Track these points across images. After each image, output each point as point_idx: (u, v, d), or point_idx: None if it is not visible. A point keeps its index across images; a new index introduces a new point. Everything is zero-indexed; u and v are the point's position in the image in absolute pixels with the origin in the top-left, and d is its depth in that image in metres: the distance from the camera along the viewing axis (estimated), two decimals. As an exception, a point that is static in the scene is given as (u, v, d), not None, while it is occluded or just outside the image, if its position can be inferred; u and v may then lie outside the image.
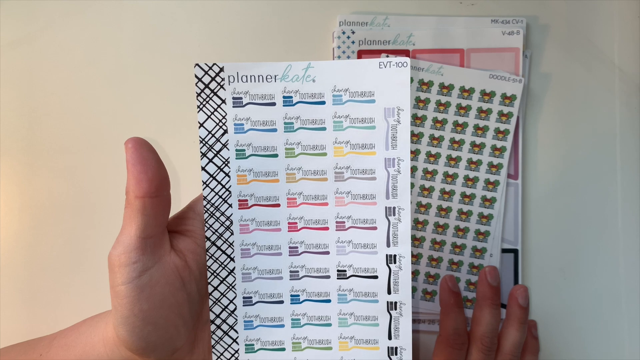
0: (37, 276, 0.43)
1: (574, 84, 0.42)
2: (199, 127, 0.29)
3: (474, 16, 0.42)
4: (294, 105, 0.29)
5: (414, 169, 0.41)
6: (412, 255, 0.41)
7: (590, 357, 0.42)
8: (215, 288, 0.30)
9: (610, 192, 0.42)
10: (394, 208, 0.29)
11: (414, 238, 0.41)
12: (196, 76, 0.29)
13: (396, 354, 0.30)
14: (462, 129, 0.41)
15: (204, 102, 0.29)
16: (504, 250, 0.42)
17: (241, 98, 0.29)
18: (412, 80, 0.41)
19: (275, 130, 0.29)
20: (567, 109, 0.42)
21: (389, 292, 0.29)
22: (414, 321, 0.42)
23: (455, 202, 0.41)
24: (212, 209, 0.29)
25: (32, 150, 0.43)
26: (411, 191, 0.41)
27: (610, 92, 0.42)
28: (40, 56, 0.43)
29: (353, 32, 0.41)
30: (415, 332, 0.42)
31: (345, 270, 0.29)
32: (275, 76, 0.29)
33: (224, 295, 0.30)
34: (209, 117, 0.29)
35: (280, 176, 0.29)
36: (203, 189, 0.29)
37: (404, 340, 0.29)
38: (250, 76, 0.29)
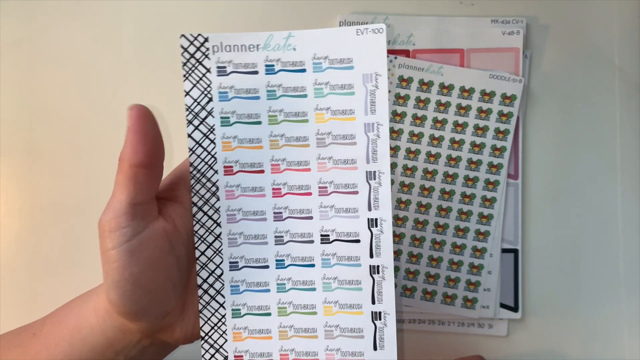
0: (37, 276, 0.43)
1: (574, 84, 0.42)
2: (185, 96, 0.30)
3: (474, 16, 0.42)
4: (275, 73, 0.29)
5: (414, 169, 0.41)
6: (412, 255, 0.41)
7: (590, 357, 0.42)
8: (202, 253, 0.30)
9: (610, 192, 0.42)
10: (375, 172, 0.29)
11: (414, 238, 0.41)
12: (182, 46, 0.30)
13: (380, 319, 0.29)
14: (462, 129, 0.41)
15: (190, 72, 0.30)
16: (504, 250, 0.42)
17: (225, 67, 0.29)
18: (412, 80, 0.41)
19: (258, 98, 0.30)
20: (567, 109, 0.42)
21: (371, 256, 0.29)
22: (414, 321, 0.42)
23: (455, 202, 0.41)
24: (198, 175, 0.30)
25: (32, 150, 0.43)
26: (412, 191, 0.41)
27: (611, 92, 0.42)
28: (40, 56, 0.43)
29: (353, 32, 0.41)
30: (415, 332, 0.42)
31: (328, 235, 0.30)
32: (257, 45, 0.29)
33: (211, 260, 0.30)
34: (194, 85, 0.30)
35: (264, 143, 0.30)
36: (189, 156, 0.30)
37: (388, 304, 0.29)
38: (234, 45, 0.29)
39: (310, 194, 0.30)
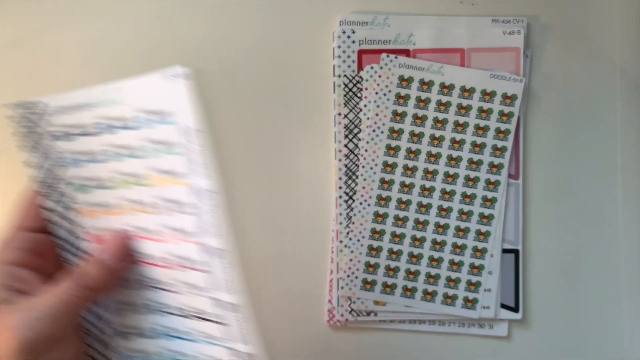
0: (37, 276, 0.43)
1: (575, 84, 0.42)
2: (27, 166, 0.29)
3: (474, 16, 0.42)
4: (111, 132, 0.27)
5: (414, 169, 0.41)
6: (413, 256, 0.41)
7: (590, 357, 0.42)
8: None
9: (610, 192, 0.42)
10: (216, 248, 0.24)
11: (414, 239, 0.41)
12: (8, 116, 0.28)
13: None
14: (462, 129, 0.41)
15: (25, 140, 0.29)
16: (505, 251, 0.42)
17: (57, 131, 0.28)
18: (412, 79, 0.41)
19: (96, 160, 0.27)
20: (568, 109, 0.42)
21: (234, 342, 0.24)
22: (414, 322, 0.42)
23: (455, 202, 0.41)
24: (62, 242, 0.29)
25: (32, 151, 0.43)
26: (412, 191, 0.41)
27: (611, 92, 0.42)
28: (40, 56, 0.43)
29: (353, 32, 0.41)
30: (415, 332, 0.42)
31: (183, 309, 0.26)
32: (87, 104, 0.27)
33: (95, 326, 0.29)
34: (32, 152, 0.29)
35: (115, 207, 0.27)
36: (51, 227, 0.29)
37: None
38: (62, 107, 0.28)
39: (162, 265, 0.26)
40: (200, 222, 0.24)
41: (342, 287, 0.41)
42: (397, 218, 0.41)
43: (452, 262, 0.41)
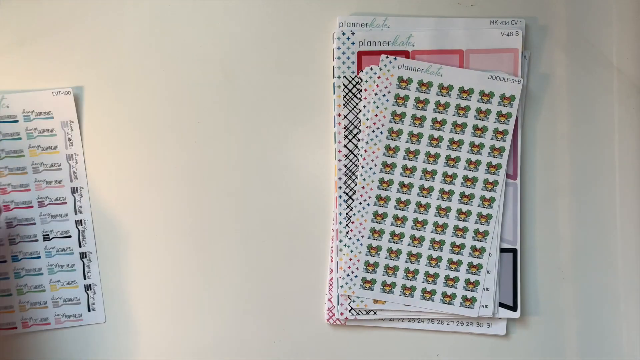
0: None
1: (573, 85, 0.42)
2: None
3: (473, 17, 0.42)
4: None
5: (413, 169, 0.41)
6: (412, 255, 0.42)
7: (588, 357, 0.43)
8: None
9: (608, 192, 0.43)
10: (77, 187, 0.42)
11: (413, 238, 0.42)
12: None
13: (91, 289, 0.42)
14: (461, 129, 0.41)
15: None
16: (503, 250, 0.42)
17: None
18: (411, 80, 0.41)
19: None
20: (565, 110, 0.42)
21: (80, 246, 0.42)
22: (413, 320, 0.42)
23: (454, 202, 0.41)
24: None
25: (35, 151, 0.43)
26: (411, 191, 0.42)
27: (609, 92, 0.42)
28: (40, 57, 0.43)
29: (353, 33, 0.41)
30: (414, 331, 0.42)
31: (48, 234, 0.42)
32: None
33: None
34: None
35: None
36: None
37: (95, 278, 0.42)
38: None
39: (32, 207, 0.42)
40: (70, 173, 0.42)
41: (341, 286, 0.42)
42: (396, 217, 0.42)
43: (450, 261, 0.42)
